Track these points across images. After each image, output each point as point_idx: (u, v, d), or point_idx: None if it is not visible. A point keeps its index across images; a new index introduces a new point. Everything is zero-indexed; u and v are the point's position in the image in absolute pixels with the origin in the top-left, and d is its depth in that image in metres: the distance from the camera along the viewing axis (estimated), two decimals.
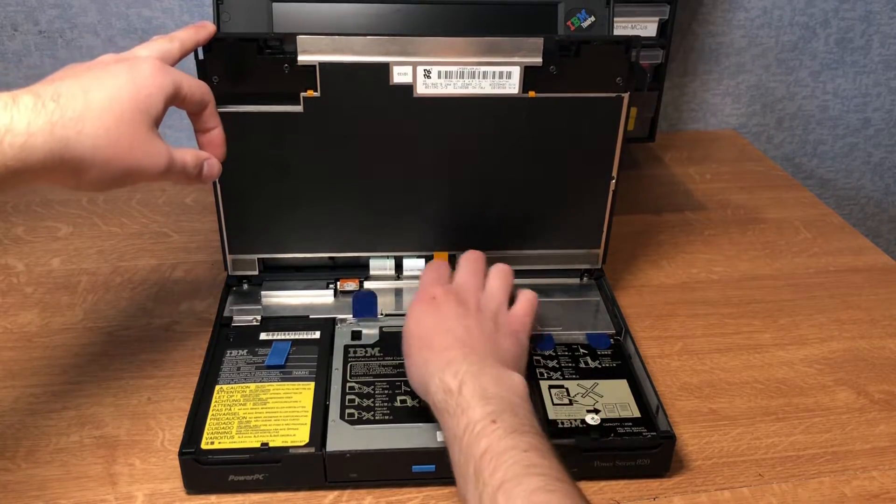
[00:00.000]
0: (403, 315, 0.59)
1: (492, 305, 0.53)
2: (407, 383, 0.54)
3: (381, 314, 0.61)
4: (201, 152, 0.48)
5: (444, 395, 0.45)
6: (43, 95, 0.39)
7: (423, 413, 0.51)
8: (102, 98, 0.41)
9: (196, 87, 0.47)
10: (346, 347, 0.58)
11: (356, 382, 0.54)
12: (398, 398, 0.53)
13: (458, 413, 0.43)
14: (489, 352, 0.49)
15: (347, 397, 0.53)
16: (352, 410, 0.52)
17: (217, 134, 0.50)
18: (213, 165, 0.49)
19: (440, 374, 0.46)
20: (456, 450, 0.42)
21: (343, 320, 0.61)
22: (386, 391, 0.54)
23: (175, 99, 0.45)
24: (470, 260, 0.57)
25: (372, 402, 0.53)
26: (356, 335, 0.59)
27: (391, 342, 0.58)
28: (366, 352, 0.57)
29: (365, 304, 0.61)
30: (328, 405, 0.52)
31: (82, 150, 0.40)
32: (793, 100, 1.06)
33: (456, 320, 0.50)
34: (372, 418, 0.51)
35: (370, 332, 0.59)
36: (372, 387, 0.54)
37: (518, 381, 0.46)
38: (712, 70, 1.02)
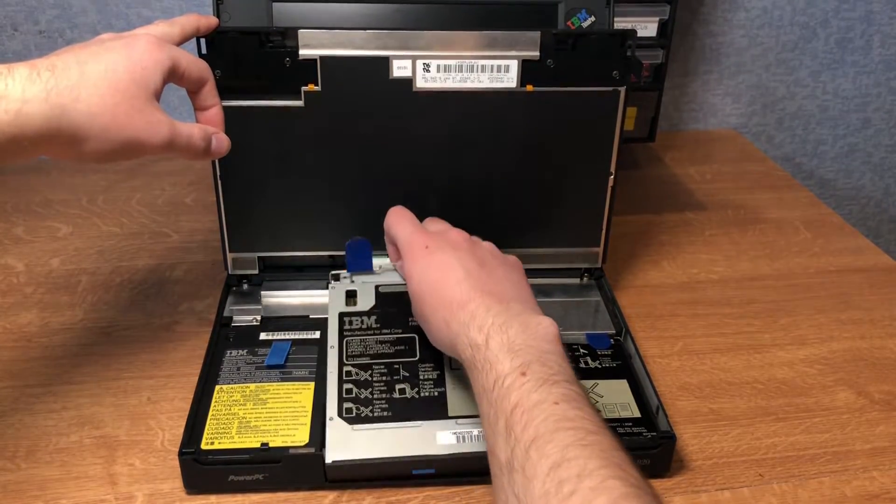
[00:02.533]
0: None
1: (480, 243, 0.52)
2: (406, 366, 0.53)
3: (378, 268, 0.60)
4: (209, 127, 0.48)
5: (471, 351, 0.44)
6: (38, 66, 0.40)
7: (421, 406, 0.51)
8: (98, 69, 0.42)
9: (194, 64, 0.47)
10: (342, 317, 0.56)
11: (353, 366, 0.53)
12: (397, 387, 0.52)
13: (487, 368, 0.42)
14: (506, 290, 0.47)
15: (345, 387, 0.52)
16: (349, 405, 0.51)
17: (216, 112, 0.50)
18: (221, 140, 0.49)
19: (465, 331, 0.44)
20: (485, 403, 0.41)
21: (336, 276, 0.59)
22: (384, 378, 0.52)
23: (173, 75, 0.46)
24: (434, 220, 0.57)
25: (370, 392, 0.51)
26: (351, 296, 0.57)
27: (388, 307, 0.57)
28: (362, 322, 0.56)
29: (359, 255, 0.59)
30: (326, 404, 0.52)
31: (79, 118, 0.40)
32: (793, 100, 1.06)
33: (459, 264, 0.48)
34: (370, 415, 0.50)
35: (366, 293, 0.58)
36: (369, 372, 0.53)
37: (546, 325, 0.44)
38: (712, 70, 1.02)
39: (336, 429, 0.49)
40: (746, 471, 0.52)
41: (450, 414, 0.51)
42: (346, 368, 0.53)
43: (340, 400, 0.51)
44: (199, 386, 0.53)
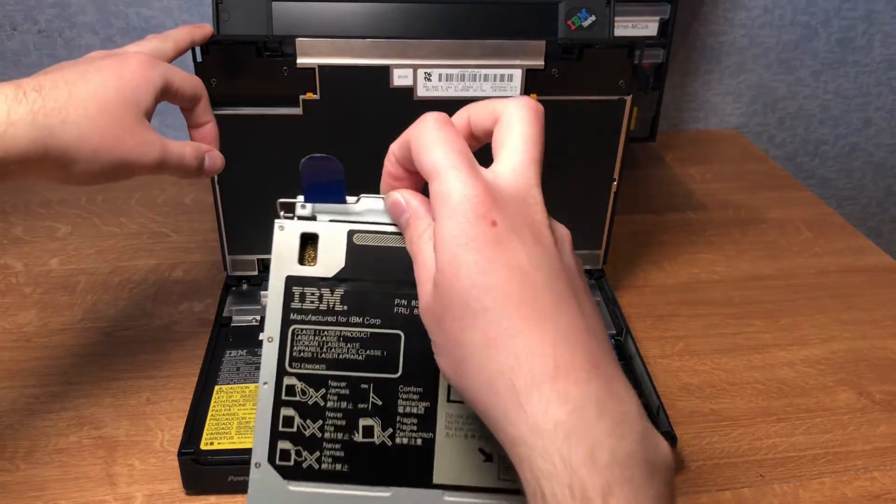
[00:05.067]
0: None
1: (566, 245, 0.33)
2: (379, 387, 0.34)
3: (354, 200, 0.36)
4: (202, 145, 0.47)
5: (532, 436, 0.26)
6: (25, 86, 0.39)
7: (394, 460, 0.34)
8: (87, 90, 0.41)
9: (188, 82, 0.46)
10: (290, 285, 0.35)
11: (298, 376, 0.34)
12: (360, 423, 0.34)
13: (558, 464, 0.26)
14: (591, 341, 0.28)
15: (284, 412, 0.34)
16: (287, 445, 0.34)
17: (210, 129, 0.49)
18: (214, 159, 0.48)
19: (537, 389, 0.27)
20: None
21: (289, 206, 0.36)
22: (344, 403, 0.34)
23: (166, 93, 0.45)
24: (535, 131, 0.33)
25: (319, 426, 0.34)
26: (309, 244, 0.35)
27: (364, 272, 0.35)
28: (320, 298, 0.35)
29: (324, 180, 0.36)
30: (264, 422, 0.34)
31: (67, 139, 0.39)
32: (794, 99, 1.06)
33: (545, 280, 0.29)
34: (316, 466, 0.34)
35: (332, 241, 0.35)
36: (322, 390, 0.34)
37: (663, 449, 0.28)
38: (713, 69, 1.02)
39: (263, 481, 0.34)
40: (747, 471, 0.52)
41: (435, 480, 0.34)
42: (287, 381, 0.34)
43: (275, 435, 0.34)
44: (198, 386, 0.53)
